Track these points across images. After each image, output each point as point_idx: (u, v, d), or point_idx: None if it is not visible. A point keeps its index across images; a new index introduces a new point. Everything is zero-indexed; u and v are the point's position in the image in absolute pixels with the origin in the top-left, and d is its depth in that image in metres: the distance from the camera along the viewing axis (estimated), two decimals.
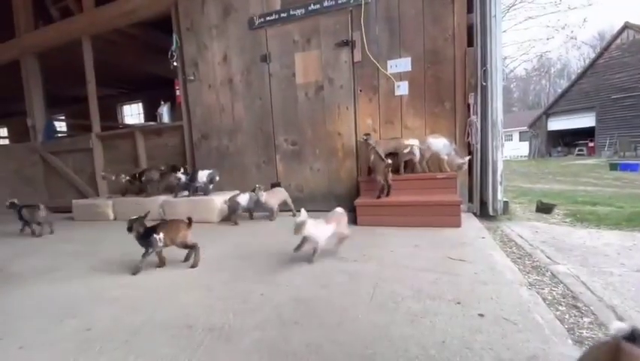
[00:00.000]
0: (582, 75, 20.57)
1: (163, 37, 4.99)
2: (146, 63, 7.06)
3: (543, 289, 1.66)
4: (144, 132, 4.88)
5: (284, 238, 2.80)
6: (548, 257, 2.12)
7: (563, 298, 1.57)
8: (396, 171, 3.33)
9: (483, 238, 2.47)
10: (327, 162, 3.79)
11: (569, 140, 22.22)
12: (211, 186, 3.82)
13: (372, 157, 3.14)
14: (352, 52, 3.50)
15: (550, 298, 1.57)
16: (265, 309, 1.53)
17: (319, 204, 3.83)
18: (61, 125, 10.37)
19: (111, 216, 4.39)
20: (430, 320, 1.35)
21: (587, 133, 20.20)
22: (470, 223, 2.90)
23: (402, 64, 3.35)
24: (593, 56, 21.81)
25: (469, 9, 3.15)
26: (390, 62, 3.39)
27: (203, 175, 3.79)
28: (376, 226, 2.92)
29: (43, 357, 1.29)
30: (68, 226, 4.22)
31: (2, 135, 12.22)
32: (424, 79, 3.31)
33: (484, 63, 3.08)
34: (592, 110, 19.65)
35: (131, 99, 10.76)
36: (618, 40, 18.34)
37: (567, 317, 1.41)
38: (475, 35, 3.15)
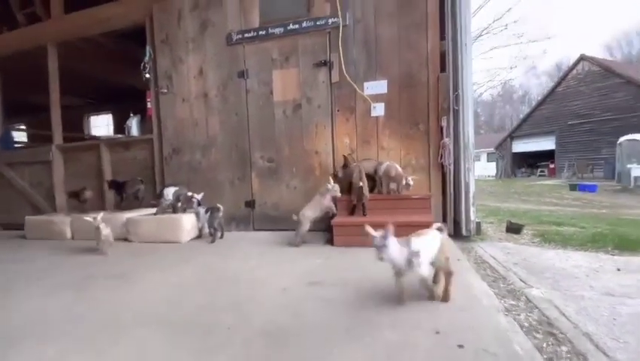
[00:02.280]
0: (542, 102, 22.19)
1: (135, 49, 4.82)
2: (116, 73, 6.80)
3: (519, 315, 1.65)
4: (110, 145, 4.62)
5: (252, 261, 2.67)
6: (522, 280, 2.13)
7: (540, 324, 1.56)
8: (371, 191, 3.33)
9: (459, 260, 2.47)
10: (304, 181, 3.72)
11: (532, 161, 23.63)
12: (179, 204, 3.62)
13: (354, 175, 3.13)
14: (330, 72, 3.53)
15: (527, 324, 1.55)
16: (233, 346, 1.39)
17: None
18: (21, 136, 9.68)
19: (68, 234, 4.04)
20: (409, 353, 1.28)
21: (548, 155, 21.60)
22: None
23: (378, 86, 3.41)
24: (551, 84, 23.61)
25: (442, 36, 3.29)
26: (366, 84, 3.45)
27: (169, 192, 3.59)
28: (353, 246, 2.85)
29: None
30: (17, 245, 3.84)
31: None
32: (399, 101, 3.38)
33: (455, 88, 3.20)
34: (552, 134, 21.11)
35: (99, 110, 10.28)
36: (574, 71, 20.03)
37: (545, 345, 1.39)
38: (447, 61, 3.27)
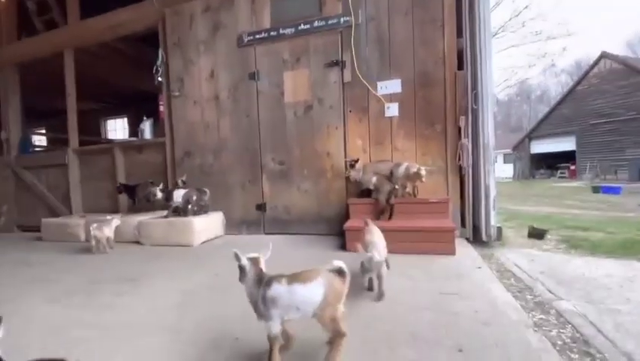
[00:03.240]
0: (562, 101, 21.45)
1: (149, 52, 4.86)
2: (131, 78, 6.90)
3: (551, 331, 1.51)
4: (124, 148, 4.65)
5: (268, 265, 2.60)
6: (550, 291, 1.98)
7: (574, 342, 1.42)
8: None
9: (479, 268, 2.33)
10: (315, 183, 3.64)
11: (551, 162, 22.84)
12: (189, 207, 3.59)
13: (374, 178, 3.03)
14: (342, 72, 3.44)
15: (560, 343, 1.41)
16: (239, 359, 1.32)
17: (307, 227, 3.66)
18: (40, 139, 9.98)
19: (82, 237, 4.07)
20: None
21: (568, 156, 20.83)
22: (464, 251, 2.76)
23: (392, 85, 3.29)
24: (571, 83, 22.83)
25: (459, 33, 3.15)
26: (380, 84, 3.34)
27: (178, 195, 3.57)
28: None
29: None
30: (33, 247, 3.89)
31: None
32: (414, 101, 3.25)
33: (474, 86, 3.06)
34: (572, 134, 20.36)
35: (115, 114, 10.50)
36: (596, 69, 19.29)
37: None
38: (465, 59, 3.14)
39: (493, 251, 2.90)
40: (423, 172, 2.90)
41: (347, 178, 3.33)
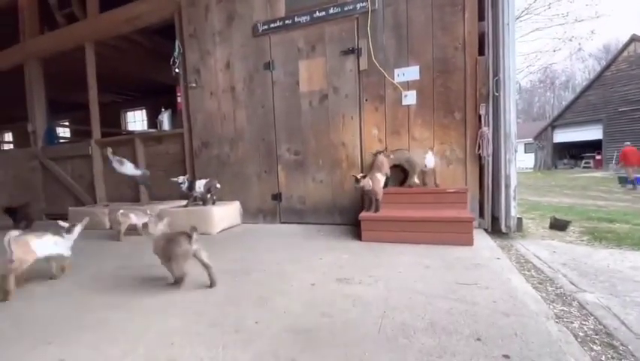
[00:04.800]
0: (589, 87, 20.42)
1: (166, 44, 4.93)
2: (149, 70, 7.02)
3: (572, 322, 1.48)
4: (144, 139, 4.77)
5: (279, 254, 2.64)
6: (572, 283, 1.93)
7: (596, 334, 1.39)
8: (402, 183, 3.19)
9: (498, 258, 2.29)
10: (330, 173, 3.64)
11: (576, 152, 21.96)
12: (209, 196, 3.67)
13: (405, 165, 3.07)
14: (358, 60, 3.39)
15: (581, 334, 1.39)
16: (260, 341, 1.36)
17: (322, 217, 3.69)
18: (64, 131, 10.36)
19: (107, 225, 4.25)
20: None
21: (594, 146, 19.95)
22: (482, 241, 2.72)
23: (410, 72, 3.22)
24: (598, 68, 21.70)
25: (481, 17, 3.03)
26: (397, 71, 3.27)
27: (200, 184, 3.66)
28: (382, 242, 2.75)
29: None
30: None
31: (8, 140, 12.25)
32: (432, 88, 3.18)
33: (496, 73, 2.96)
34: (599, 122, 19.43)
35: (135, 106, 10.75)
36: (625, 53, 18.23)
37: (604, 359, 1.23)
38: (486, 44, 3.03)
39: (513, 242, 2.84)
40: (431, 160, 2.93)
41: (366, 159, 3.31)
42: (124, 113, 11.01)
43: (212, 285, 1.96)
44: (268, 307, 1.68)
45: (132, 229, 3.49)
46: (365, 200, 3.08)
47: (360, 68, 3.38)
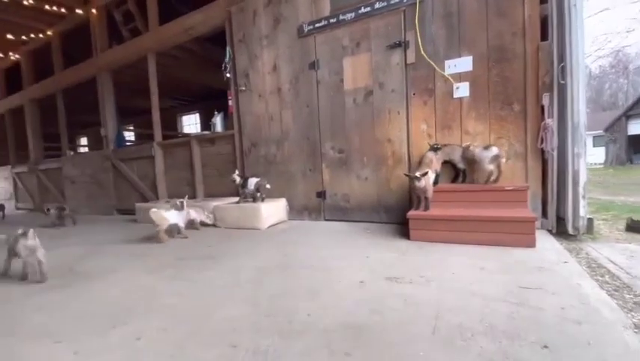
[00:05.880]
0: None
1: (217, 50, 5.22)
2: (202, 76, 7.51)
3: None
4: (199, 141, 5.12)
5: (325, 251, 2.67)
6: None
7: None
8: (453, 180, 3.05)
9: (565, 262, 2.09)
10: (375, 171, 3.59)
11: None
12: (258, 194, 3.85)
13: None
14: (405, 53, 3.29)
15: None
16: (312, 333, 1.40)
17: (367, 215, 3.66)
18: (130, 135, 11.48)
19: None
20: None
21: None
22: (546, 243, 2.50)
23: (462, 63, 3.06)
24: None
25: None
26: (448, 62, 3.12)
27: (252, 182, 3.85)
28: (432, 242, 2.65)
29: None
30: (130, 228, 4.54)
31: (83, 144, 13.89)
32: (487, 79, 2.98)
33: (561, 59, 2.69)
34: None
35: (189, 110, 11.57)
36: None
37: None
38: (549, 28, 2.77)
39: (582, 245, 2.57)
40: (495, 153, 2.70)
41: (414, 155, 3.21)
42: (180, 117, 11.90)
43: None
44: (318, 302, 1.71)
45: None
46: (413, 198, 2.99)
47: (408, 62, 3.29)
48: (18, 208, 8.60)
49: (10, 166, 8.64)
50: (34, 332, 1.60)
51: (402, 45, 3.29)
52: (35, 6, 5.97)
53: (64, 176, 7.20)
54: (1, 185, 9.12)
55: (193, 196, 5.10)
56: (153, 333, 1.49)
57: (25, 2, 5.85)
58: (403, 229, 3.12)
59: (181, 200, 3.62)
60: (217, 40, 5.06)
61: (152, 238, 3.40)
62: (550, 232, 2.84)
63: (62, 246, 3.49)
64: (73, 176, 7.01)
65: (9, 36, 6.92)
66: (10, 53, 7.74)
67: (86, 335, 1.52)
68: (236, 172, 4.14)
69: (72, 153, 7.81)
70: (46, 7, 6.06)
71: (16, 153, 8.56)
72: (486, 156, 2.75)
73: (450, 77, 3.10)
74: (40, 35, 7.00)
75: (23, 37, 7.07)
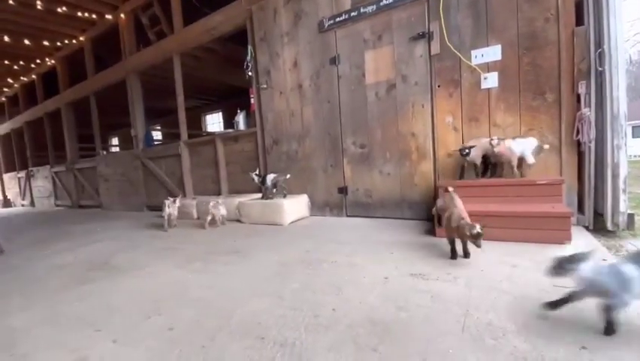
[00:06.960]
0: None
1: (238, 49, 5.30)
2: (225, 75, 7.66)
3: None
4: (223, 139, 5.23)
5: (348, 247, 2.66)
6: None
7: None
8: (482, 174, 2.95)
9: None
10: (398, 166, 3.54)
11: None
12: (275, 190, 3.92)
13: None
14: (429, 44, 3.20)
15: None
16: (338, 327, 1.41)
17: (390, 211, 3.61)
18: (157, 135, 11.92)
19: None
20: None
21: None
22: (582, 240, 2.37)
23: (490, 53, 2.93)
24: None
25: None
26: (474, 52, 3.00)
27: (269, 178, 3.93)
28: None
29: (131, 354, 1.36)
30: (159, 223, 4.72)
31: (115, 144, 14.59)
32: (518, 68, 2.84)
33: (598, 44, 2.52)
34: None
35: (212, 109, 11.84)
36: None
37: None
38: (585, 11, 2.60)
39: (622, 242, 2.41)
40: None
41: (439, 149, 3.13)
42: (204, 116, 12.22)
43: None
44: (343, 297, 1.71)
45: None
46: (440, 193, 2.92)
47: (432, 53, 3.19)
48: (57, 205, 9.18)
49: (49, 166, 9.23)
50: (75, 321, 1.70)
51: (426, 36, 3.20)
52: (68, 13, 6.31)
53: (98, 174, 7.60)
54: (41, 184, 9.76)
55: (218, 193, 5.23)
56: (185, 324, 1.56)
57: (59, 10, 6.18)
58: (427, 225, 3.06)
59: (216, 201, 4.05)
60: (238, 38, 5.14)
61: (174, 232, 3.52)
62: (586, 228, 2.69)
63: (97, 241, 3.69)
64: (107, 174, 7.39)
65: (45, 43, 7.35)
66: (47, 59, 8.23)
67: (123, 325, 1.61)
68: (256, 171, 4.21)
69: (105, 152, 8.22)
70: (79, 13, 6.38)
71: (54, 154, 9.13)
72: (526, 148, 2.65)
73: (477, 68, 2.99)
74: (74, 41, 7.39)
75: (58, 44, 7.49)
